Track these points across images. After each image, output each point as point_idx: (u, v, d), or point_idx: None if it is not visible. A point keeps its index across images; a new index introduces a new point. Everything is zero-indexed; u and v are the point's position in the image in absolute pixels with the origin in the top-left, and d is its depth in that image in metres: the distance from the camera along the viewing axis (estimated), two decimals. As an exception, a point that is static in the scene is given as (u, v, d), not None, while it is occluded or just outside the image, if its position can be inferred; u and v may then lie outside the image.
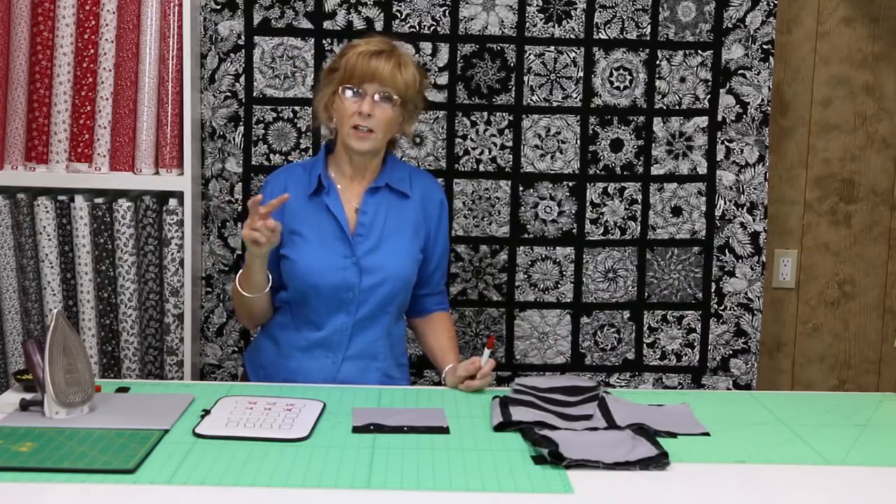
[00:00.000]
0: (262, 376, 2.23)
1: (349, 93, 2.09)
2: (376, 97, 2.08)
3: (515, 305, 2.86)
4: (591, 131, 2.82)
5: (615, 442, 1.70)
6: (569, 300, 2.86)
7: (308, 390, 2.03)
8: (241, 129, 2.75)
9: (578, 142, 2.81)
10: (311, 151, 2.76)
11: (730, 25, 2.80)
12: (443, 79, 2.77)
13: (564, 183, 2.83)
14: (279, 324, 2.22)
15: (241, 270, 2.16)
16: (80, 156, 2.63)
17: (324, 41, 2.73)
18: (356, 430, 1.78)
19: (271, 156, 2.76)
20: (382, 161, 2.21)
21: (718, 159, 2.84)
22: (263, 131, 2.76)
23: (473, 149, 2.80)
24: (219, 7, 2.71)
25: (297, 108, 2.75)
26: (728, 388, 2.90)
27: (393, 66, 2.09)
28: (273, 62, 2.74)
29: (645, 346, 2.90)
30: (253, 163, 2.76)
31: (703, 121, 2.83)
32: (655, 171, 2.84)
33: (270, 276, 2.14)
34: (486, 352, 2.07)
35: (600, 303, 2.87)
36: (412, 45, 2.74)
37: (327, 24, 2.74)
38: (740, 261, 2.87)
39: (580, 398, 1.95)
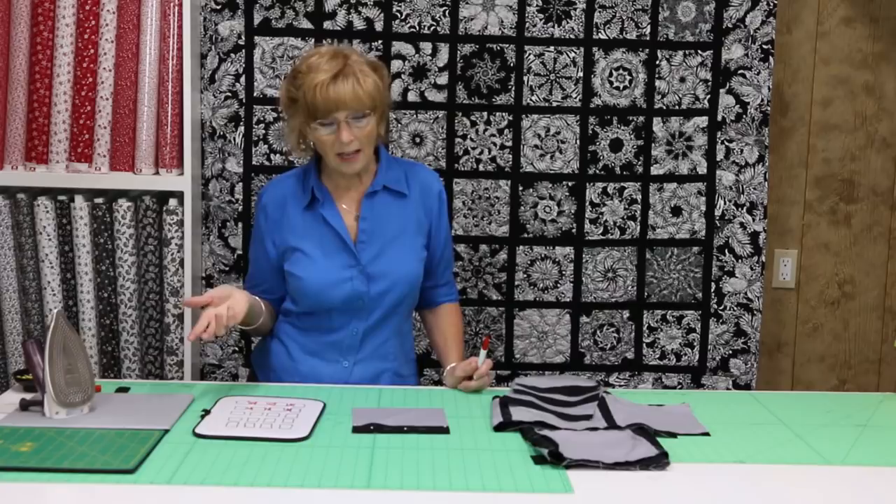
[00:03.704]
0: (273, 379, 2.21)
1: (320, 126, 2.03)
2: (350, 120, 2.02)
3: (515, 305, 2.86)
4: (590, 131, 2.82)
5: (615, 442, 1.70)
6: (568, 300, 2.86)
7: (308, 390, 2.03)
8: (242, 129, 2.75)
9: (578, 142, 2.81)
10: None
11: (730, 25, 2.80)
12: (443, 79, 2.77)
13: (564, 183, 2.83)
14: (289, 326, 2.20)
15: None
16: (80, 156, 2.63)
17: (324, 41, 2.73)
18: (356, 430, 1.78)
19: (272, 156, 2.76)
20: (376, 160, 2.18)
21: (718, 159, 2.84)
22: (264, 131, 2.76)
23: (473, 148, 2.80)
24: (219, 7, 2.71)
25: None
26: (728, 388, 2.90)
27: (353, 86, 2.00)
28: (273, 62, 2.74)
29: (644, 345, 2.90)
30: (253, 163, 2.76)
31: (702, 121, 2.83)
32: (655, 171, 2.84)
33: (264, 307, 2.16)
34: (483, 352, 2.07)
35: (600, 302, 2.87)
36: (412, 45, 2.74)
37: (327, 25, 2.74)
38: (740, 261, 2.87)
39: (580, 398, 1.95)
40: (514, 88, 2.78)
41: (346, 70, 2.02)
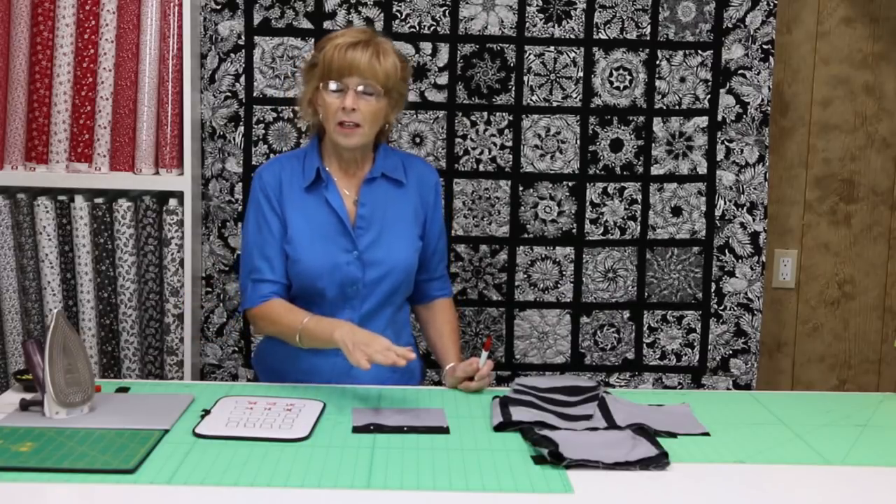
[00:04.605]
0: (275, 379, 2.19)
1: (331, 88, 2.05)
2: (359, 89, 2.04)
3: (515, 305, 2.86)
4: (590, 131, 2.82)
5: (615, 442, 1.70)
6: (568, 300, 2.86)
7: (308, 390, 2.02)
8: (241, 129, 2.75)
9: (578, 142, 2.81)
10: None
11: (730, 25, 2.80)
12: (443, 79, 2.76)
13: (564, 183, 2.83)
14: None
15: (311, 322, 2.04)
16: (80, 156, 2.63)
17: (324, 41, 2.73)
18: (356, 430, 1.78)
19: (271, 156, 2.76)
20: (374, 149, 2.18)
21: (718, 159, 2.84)
22: (263, 131, 2.76)
23: (473, 149, 2.80)
24: (219, 7, 2.71)
25: (297, 108, 2.75)
26: (728, 388, 2.90)
27: (371, 57, 2.04)
28: (273, 62, 2.74)
29: (645, 345, 2.90)
30: (253, 163, 2.76)
31: (703, 121, 2.83)
32: (655, 171, 2.84)
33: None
34: (484, 353, 2.07)
35: (600, 303, 2.87)
36: (412, 45, 2.74)
37: (327, 24, 2.74)
38: (740, 261, 2.87)
39: (580, 398, 1.95)
40: (514, 88, 2.78)
41: (370, 42, 2.07)
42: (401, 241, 2.15)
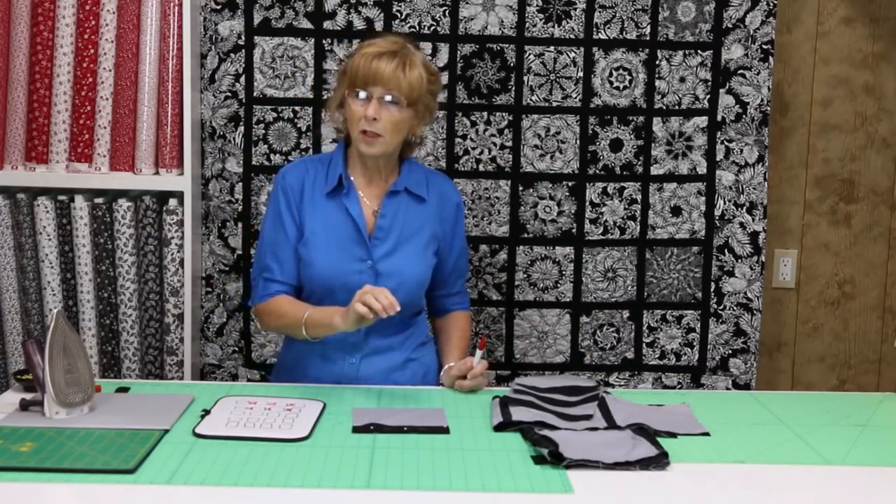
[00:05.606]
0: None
1: (356, 96, 2.06)
2: (385, 99, 2.05)
3: (515, 305, 2.86)
4: (590, 131, 2.82)
5: (615, 442, 1.70)
6: (568, 300, 2.86)
7: (308, 390, 2.03)
8: (242, 129, 2.75)
9: (578, 142, 2.81)
10: (311, 151, 2.76)
11: (729, 25, 2.80)
12: (443, 79, 2.76)
13: (564, 183, 2.83)
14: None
15: (314, 312, 2.06)
16: (80, 156, 2.63)
17: (324, 41, 2.73)
18: (356, 430, 1.78)
19: (271, 156, 2.76)
20: (399, 162, 2.20)
21: (718, 159, 2.84)
22: (264, 131, 2.76)
23: (473, 149, 2.80)
24: (219, 7, 2.71)
25: (297, 108, 2.75)
26: (727, 388, 2.90)
27: (396, 68, 2.05)
28: (273, 62, 2.74)
29: (644, 345, 2.90)
30: (253, 163, 2.76)
31: (702, 121, 2.83)
32: (655, 170, 2.84)
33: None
34: (478, 353, 2.08)
35: (600, 302, 2.87)
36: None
37: (327, 24, 2.74)
38: (740, 261, 2.87)
39: (580, 398, 1.95)
40: (514, 88, 2.78)
41: (399, 53, 2.08)
42: (415, 256, 2.16)
